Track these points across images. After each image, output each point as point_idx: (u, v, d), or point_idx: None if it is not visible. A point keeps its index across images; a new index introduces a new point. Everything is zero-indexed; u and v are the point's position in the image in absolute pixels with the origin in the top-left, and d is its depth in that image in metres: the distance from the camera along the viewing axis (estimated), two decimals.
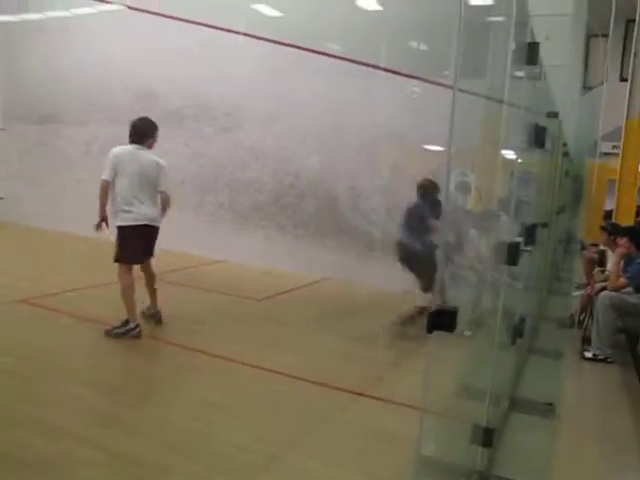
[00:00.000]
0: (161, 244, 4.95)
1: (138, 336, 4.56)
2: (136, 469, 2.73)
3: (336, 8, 7.31)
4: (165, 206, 4.87)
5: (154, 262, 5.02)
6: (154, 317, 5.04)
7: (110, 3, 8.96)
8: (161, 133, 8.54)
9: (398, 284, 6.44)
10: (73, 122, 9.99)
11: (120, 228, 4.62)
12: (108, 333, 4.56)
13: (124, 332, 4.54)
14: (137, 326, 4.58)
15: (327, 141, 7.38)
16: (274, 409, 3.51)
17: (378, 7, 7.20)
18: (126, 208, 4.61)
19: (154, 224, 4.78)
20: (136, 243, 4.65)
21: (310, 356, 4.55)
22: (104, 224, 4.76)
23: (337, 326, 5.41)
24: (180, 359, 4.36)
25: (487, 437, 2.44)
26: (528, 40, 2.65)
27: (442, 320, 1.42)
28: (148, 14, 8.69)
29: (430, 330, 1.44)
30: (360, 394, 3.79)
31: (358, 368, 4.34)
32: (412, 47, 7.20)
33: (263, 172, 7.58)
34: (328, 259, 7.30)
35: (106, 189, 4.63)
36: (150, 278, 5.01)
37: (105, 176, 4.61)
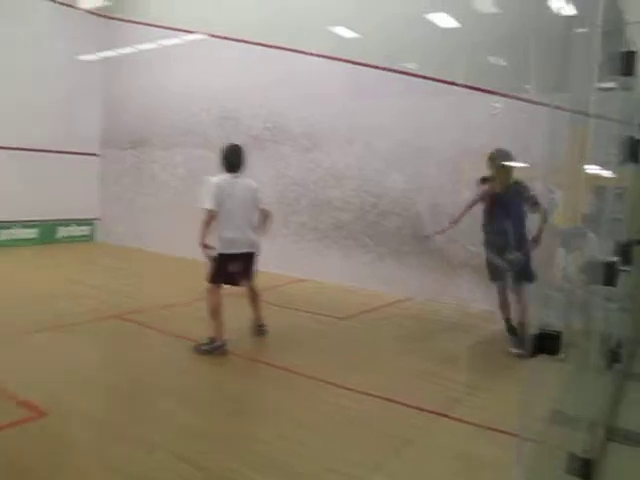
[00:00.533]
0: None
1: (224, 353, 4.71)
2: None
3: (414, 28, 7.31)
4: (267, 221, 5.11)
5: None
6: (260, 330, 5.27)
7: (194, 33, 9.41)
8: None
9: (482, 304, 6.28)
10: (163, 147, 10.55)
11: (221, 255, 4.82)
12: (196, 349, 4.73)
13: (210, 349, 4.70)
14: (223, 344, 4.73)
15: (408, 159, 7.34)
16: (360, 429, 3.50)
17: (456, 24, 7.14)
18: (229, 236, 4.80)
19: (253, 250, 4.99)
20: (233, 269, 4.86)
21: (393, 376, 4.51)
22: (207, 248, 4.84)
23: (420, 346, 5.33)
24: (266, 376, 4.45)
25: (585, 468, 2.32)
26: (624, 49, 2.53)
27: (545, 344, 1.37)
28: (230, 41, 9.08)
29: (534, 354, 1.40)
30: (444, 415, 3.71)
31: (441, 389, 4.25)
32: (491, 63, 7.06)
33: (344, 191, 7.64)
34: (410, 278, 7.22)
35: (211, 219, 4.77)
36: (253, 295, 5.24)
37: (210, 206, 4.74)
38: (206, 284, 4.86)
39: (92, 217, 11.90)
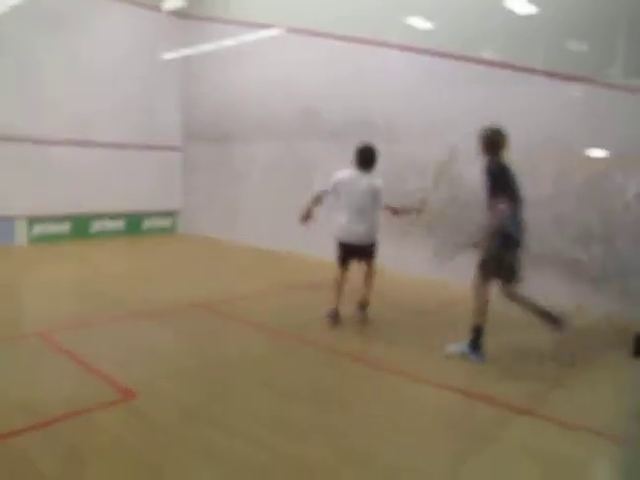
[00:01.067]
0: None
1: (336, 321, 5.38)
2: (304, 473, 2.85)
3: (490, 15, 7.09)
4: (402, 213, 5.70)
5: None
6: (362, 307, 5.63)
7: (272, 28, 9.53)
8: (324, 147, 8.94)
9: (568, 298, 6.04)
10: (242, 141, 10.80)
11: (337, 241, 5.47)
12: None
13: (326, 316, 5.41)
14: (333, 311, 5.37)
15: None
16: (441, 426, 3.47)
17: (533, 10, 6.85)
18: (344, 225, 5.35)
19: (367, 242, 5.44)
20: (348, 254, 5.47)
21: (477, 370, 4.41)
22: (304, 219, 5.50)
23: (503, 339, 5.19)
24: (351, 369, 4.45)
25: None
26: None
27: None
28: (307, 35, 9.14)
29: (638, 353, 1.33)
30: (528, 412, 3.60)
31: (523, 384, 4.12)
32: (571, 48, 6.73)
33: (424, 184, 7.53)
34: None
35: (319, 198, 5.48)
36: (367, 276, 5.61)
37: (325, 187, 5.46)
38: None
39: (174, 209, 12.39)
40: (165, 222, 12.37)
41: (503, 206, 4.37)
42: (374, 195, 5.29)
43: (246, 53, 10.33)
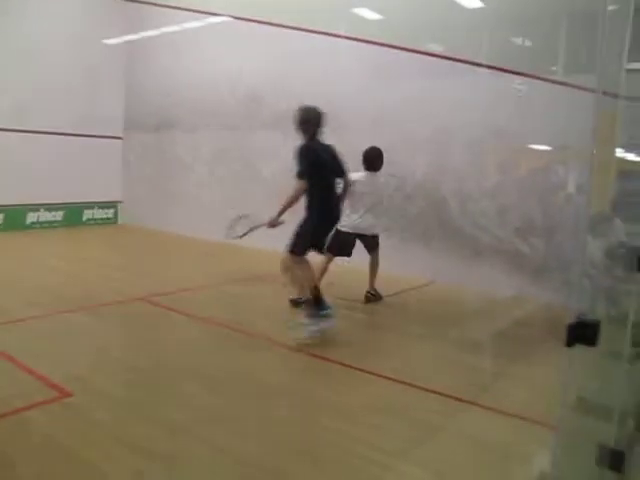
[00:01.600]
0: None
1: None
2: (247, 469, 2.81)
3: (435, 7, 7.17)
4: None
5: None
6: (367, 297, 6.06)
7: (216, 15, 9.35)
8: (268, 136, 8.82)
9: (506, 289, 6.20)
10: (185, 129, 10.54)
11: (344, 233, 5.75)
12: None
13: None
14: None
15: (432, 142, 7.23)
16: (385, 415, 3.48)
17: (478, 3, 6.97)
18: (355, 217, 5.91)
19: (375, 232, 6.18)
20: (347, 244, 5.97)
21: (416, 361, 4.48)
22: None
23: (443, 331, 5.29)
24: (290, 359, 4.43)
25: (617, 460, 2.26)
26: None
27: (583, 333, 1.31)
28: (251, 23, 9.00)
29: (570, 343, 1.34)
30: (469, 402, 3.67)
31: (465, 375, 4.21)
32: (516, 43, 6.90)
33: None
34: (434, 262, 7.15)
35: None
36: (373, 264, 6.17)
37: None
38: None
39: (115, 199, 12.01)
40: (107, 213, 11.98)
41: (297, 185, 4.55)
42: (382, 193, 6.16)
43: (189, 41, 10.10)
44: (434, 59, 7.10)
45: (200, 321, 5.25)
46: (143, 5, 11.06)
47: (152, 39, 10.79)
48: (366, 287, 6.16)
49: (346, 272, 6.53)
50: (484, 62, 6.70)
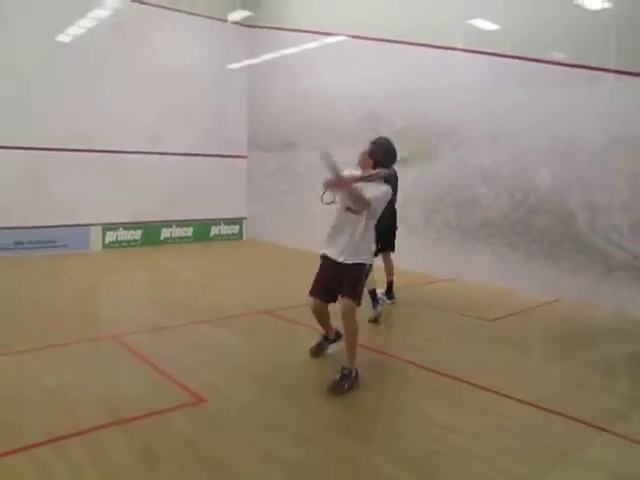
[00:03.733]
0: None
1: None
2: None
3: (554, 12, 6.81)
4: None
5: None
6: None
7: (332, 35, 9.59)
8: None
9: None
10: (306, 147, 10.87)
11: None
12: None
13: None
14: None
15: (557, 153, 6.86)
16: (509, 436, 3.35)
17: (603, 5, 6.52)
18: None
19: None
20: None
21: (542, 382, 4.25)
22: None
23: (571, 352, 4.99)
24: (410, 375, 4.40)
25: None
26: None
27: None
28: (368, 40, 9.14)
29: None
30: (603, 429, 3.43)
31: (597, 400, 3.93)
32: None
33: (490, 188, 7.32)
34: (562, 279, 6.77)
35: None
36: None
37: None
38: None
39: (241, 216, 12.64)
40: (232, 229, 12.64)
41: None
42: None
43: (307, 61, 10.45)
44: (555, 67, 6.78)
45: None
46: (261, 30, 11.64)
47: (271, 62, 11.30)
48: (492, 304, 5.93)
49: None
50: (610, 67, 6.29)
